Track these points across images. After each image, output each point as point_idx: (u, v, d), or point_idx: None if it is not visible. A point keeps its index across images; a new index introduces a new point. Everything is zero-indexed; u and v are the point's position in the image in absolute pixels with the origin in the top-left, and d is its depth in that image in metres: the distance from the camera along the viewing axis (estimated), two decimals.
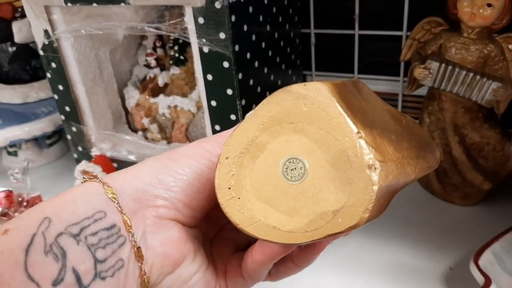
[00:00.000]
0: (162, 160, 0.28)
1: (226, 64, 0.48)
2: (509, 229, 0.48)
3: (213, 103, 0.52)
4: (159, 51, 0.66)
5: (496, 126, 0.57)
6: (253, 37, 0.51)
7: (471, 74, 0.52)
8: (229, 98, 0.50)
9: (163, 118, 0.62)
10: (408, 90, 0.58)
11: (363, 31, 0.65)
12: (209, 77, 0.50)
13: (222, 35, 0.47)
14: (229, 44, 0.47)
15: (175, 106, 0.61)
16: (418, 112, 0.62)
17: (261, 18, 0.52)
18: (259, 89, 0.55)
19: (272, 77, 0.58)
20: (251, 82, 0.52)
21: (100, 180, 0.27)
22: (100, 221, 0.25)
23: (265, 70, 0.56)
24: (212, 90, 0.51)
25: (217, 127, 0.53)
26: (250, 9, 0.50)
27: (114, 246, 0.25)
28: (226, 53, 0.48)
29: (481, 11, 0.50)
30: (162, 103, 0.61)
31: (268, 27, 0.55)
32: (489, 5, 0.49)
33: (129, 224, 0.26)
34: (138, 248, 0.26)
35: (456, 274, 0.49)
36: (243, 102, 0.51)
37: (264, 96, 0.54)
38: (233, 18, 0.46)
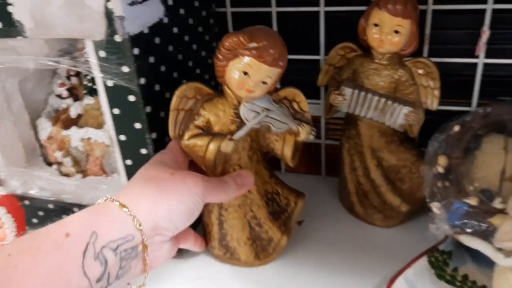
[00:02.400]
0: (168, 198, 0.41)
1: (132, 98, 0.46)
2: (421, 254, 0.49)
3: (122, 137, 0.49)
4: (74, 80, 0.63)
5: (412, 148, 0.58)
6: (162, 68, 0.50)
7: (383, 99, 0.53)
8: (138, 132, 0.48)
9: (77, 151, 0.59)
10: (325, 115, 0.58)
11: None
12: (116, 111, 0.48)
13: (125, 69, 0.45)
14: (134, 77, 0.45)
15: (89, 138, 0.58)
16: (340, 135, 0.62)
17: (171, 48, 0.51)
18: None
19: None
20: (161, 114, 0.50)
21: (129, 213, 0.38)
22: (129, 242, 0.37)
23: None
24: (120, 124, 0.49)
25: (129, 162, 0.51)
26: (157, 40, 0.48)
27: (131, 259, 0.38)
28: (131, 87, 0.46)
29: (389, 37, 0.51)
30: (75, 135, 0.58)
31: (180, 57, 0.53)
32: (396, 32, 0.50)
33: (147, 246, 0.39)
34: (145, 259, 0.39)
35: None
36: (154, 135, 0.49)
37: None
38: (136, 51, 0.45)
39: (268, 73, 0.45)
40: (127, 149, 0.50)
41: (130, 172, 0.52)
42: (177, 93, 0.47)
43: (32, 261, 0.32)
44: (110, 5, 0.42)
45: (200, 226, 0.56)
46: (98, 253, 0.34)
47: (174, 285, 0.54)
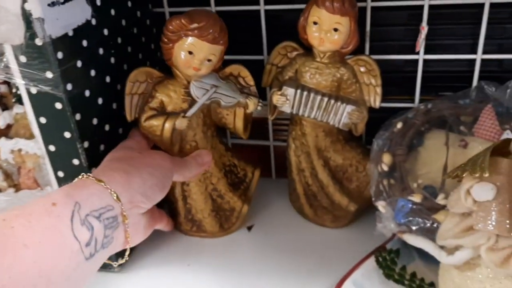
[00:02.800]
0: (140, 172, 0.44)
1: (59, 106, 0.43)
2: (369, 255, 0.48)
3: (52, 148, 0.46)
4: (2, 88, 0.58)
5: (357, 146, 0.57)
6: (92, 73, 0.47)
7: (326, 99, 0.52)
8: (69, 142, 0.45)
9: (7, 164, 0.55)
10: (270, 117, 0.56)
11: (229, 56, 0.63)
12: (43, 120, 0.45)
13: (49, 74, 0.42)
14: (59, 83, 0.42)
15: (19, 150, 0.54)
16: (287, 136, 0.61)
17: (101, 51, 0.48)
18: (107, 127, 0.50)
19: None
20: (94, 121, 0.47)
21: (106, 186, 0.40)
22: (110, 211, 0.39)
23: (114, 106, 0.51)
24: (48, 134, 0.45)
25: (61, 174, 0.48)
26: (85, 43, 0.45)
27: (113, 228, 0.40)
28: (57, 93, 0.42)
29: (328, 35, 0.50)
30: (4, 147, 0.54)
31: (113, 60, 0.50)
32: (335, 29, 0.49)
33: (126, 217, 0.41)
34: (126, 231, 0.42)
35: None
36: (86, 144, 0.46)
37: (116, 134, 0.51)
38: (60, 55, 0.41)
39: (211, 51, 0.48)
40: (57, 160, 0.47)
41: (63, 184, 0.48)
42: (129, 78, 0.49)
43: (27, 223, 0.34)
44: (27, 6, 0.39)
45: (166, 205, 0.59)
46: (83, 220, 0.36)
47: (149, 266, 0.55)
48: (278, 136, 0.68)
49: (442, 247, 0.39)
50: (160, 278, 0.53)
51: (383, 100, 0.54)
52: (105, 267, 0.53)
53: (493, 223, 0.33)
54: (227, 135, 0.69)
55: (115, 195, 0.40)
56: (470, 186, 0.35)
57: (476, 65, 0.56)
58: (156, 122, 0.50)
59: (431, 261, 0.47)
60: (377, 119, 0.56)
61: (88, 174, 0.41)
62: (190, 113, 0.50)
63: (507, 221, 0.33)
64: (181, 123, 0.50)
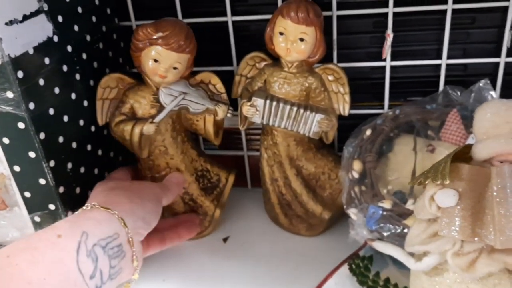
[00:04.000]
0: (142, 200, 0.46)
1: (21, 125, 0.42)
2: (342, 263, 0.48)
3: (17, 168, 0.45)
4: None
5: (329, 154, 0.58)
6: (56, 90, 0.46)
7: (295, 108, 0.52)
8: (34, 162, 0.44)
9: None
10: (240, 127, 0.56)
11: (199, 68, 0.62)
12: (6, 140, 0.44)
13: (10, 94, 0.41)
14: (21, 103, 0.41)
15: None
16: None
17: (65, 68, 0.47)
18: (74, 144, 0.49)
19: (93, 128, 0.53)
20: (60, 139, 0.47)
21: (115, 213, 0.41)
22: (116, 240, 0.39)
23: (81, 123, 0.50)
24: (12, 154, 0.45)
25: (27, 194, 0.47)
26: (47, 60, 0.44)
27: (120, 258, 0.40)
28: (19, 113, 0.42)
29: (295, 45, 0.50)
30: None
31: (78, 76, 0.50)
32: (301, 39, 0.50)
33: (132, 243, 0.41)
34: (133, 257, 0.42)
35: None
36: (52, 163, 0.45)
37: (84, 151, 0.50)
38: (20, 74, 0.41)
39: (177, 59, 0.49)
40: (23, 181, 0.46)
41: (31, 205, 0.47)
42: (100, 84, 0.51)
43: (32, 259, 0.34)
44: None
45: None
46: (89, 251, 0.36)
47: None
48: (252, 146, 0.68)
49: (411, 254, 0.40)
50: None
51: (353, 107, 0.55)
52: None
53: (457, 228, 0.34)
54: (201, 145, 0.68)
55: (122, 221, 0.41)
56: (433, 193, 0.35)
57: (442, 70, 0.57)
58: (126, 127, 0.51)
59: (405, 266, 0.47)
60: (348, 126, 0.56)
61: (93, 204, 0.41)
62: (158, 118, 0.51)
63: (470, 227, 0.33)
64: (148, 128, 0.51)
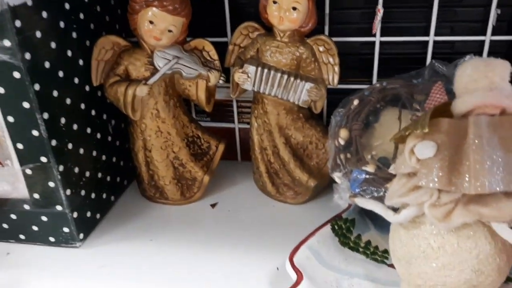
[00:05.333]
0: None
1: (17, 75, 0.43)
2: (325, 223, 0.50)
3: (10, 118, 0.46)
4: None
5: (317, 125, 0.59)
6: (53, 45, 0.47)
7: (286, 76, 0.54)
8: (27, 112, 0.45)
9: None
10: (232, 95, 0.58)
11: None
12: (1, 90, 0.44)
13: (6, 43, 0.42)
14: (17, 52, 0.42)
15: None
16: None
17: (62, 24, 0.48)
18: (68, 100, 0.50)
19: (88, 88, 0.54)
20: (54, 93, 0.47)
21: None
22: None
23: (76, 81, 0.51)
24: (6, 105, 0.45)
25: (20, 146, 0.48)
26: (44, 14, 0.45)
27: None
28: (15, 62, 0.43)
29: (287, 14, 0.51)
30: None
31: (74, 35, 0.51)
32: (294, 8, 0.51)
33: None
34: None
35: (282, 273, 0.48)
36: (45, 115, 0.46)
37: (77, 108, 0.51)
38: (18, 23, 0.42)
39: (172, 22, 0.51)
40: (16, 132, 0.47)
41: (23, 157, 0.48)
42: (96, 44, 0.52)
43: None
44: None
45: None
46: None
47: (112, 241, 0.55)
48: (243, 119, 0.69)
49: (390, 208, 0.41)
50: (123, 253, 0.53)
51: (342, 82, 0.56)
52: (67, 243, 0.53)
53: (435, 178, 0.35)
54: (193, 114, 0.70)
55: None
56: (413, 145, 0.36)
57: (429, 47, 0.58)
58: (119, 88, 0.53)
59: (386, 231, 0.49)
60: (337, 100, 0.58)
61: None
62: (151, 81, 0.53)
63: (447, 176, 0.35)
64: (141, 90, 0.52)
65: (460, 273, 0.37)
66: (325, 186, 0.60)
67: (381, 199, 0.47)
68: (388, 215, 0.41)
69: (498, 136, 0.34)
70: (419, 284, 0.39)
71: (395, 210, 0.41)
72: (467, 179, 0.34)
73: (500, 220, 0.36)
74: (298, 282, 0.42)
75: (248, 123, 0.68)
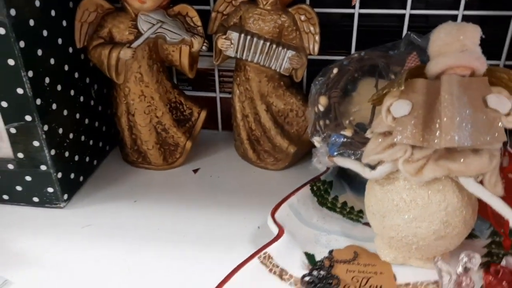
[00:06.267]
0: None
1: (2, 31, 0.43)
2: (305, 184, 0.52)
3: None
4: None
5: (298, 93, 0.61)
6: (37, 3, 0.47)
7: (268, 43, 0.55)
8: (12, 70, 0.45)
9: None
10: (215, 61, 0.59)
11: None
12: None
13: None
14: (2, 7, 0.42)
15: None
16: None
17: None
18: (52, 60, 0.50)
19: (71, 50, 0.54)
20: (39, 52, 0.48)
21: None
22: None
23: (59, 41, 0.51)
24: None
25: (4, 104, 0.48)
26: None
27: None
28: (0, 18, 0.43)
29: None
30: None
31: None
32: None
33: None
34: None
35: (263, 231, 0.50)
36: (30, 73, 0.46)
37: (61, 69, 0.51)
38: None
39: None
40: (1, 90, 0.47)
41: (7, 115, 0.48)
42: (80, 5, 0.53)
43: None
44: None
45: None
46: None
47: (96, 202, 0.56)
48: (225, 88, 0.70)
49: (366, 165, 0.44)
50: (107, 214, 0.54)
51: (322, 53, 0.58)
52: (51, 203, 0.54)
53: (409, 135, 0.38)
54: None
55: None
56: (390, 104, 0.39)
57: (405, 20, 0.61)
58: (103, 51, 0.53)
59: (361, 193, 0.52)
60: (317, 72, 0.60)
61: None
62: (135, 44, 0.54)
63: (421, 133, 0.37)
64: (125, 53, 0.53)
65: (430, 225, 0.40)
66: (304, 153, 0.62)
67: (357, 161, 0.50)
68: (365, 171, 0.43)
69: (467, 95, 0.37)
70: (392, 236, 0.42)
71: (371, 168, 0.43)
72: (437, 134, 0.37)
73: (467, 175, 0.39)
74: (279, 235, 0.44)
75: (229, 93, 0.69)
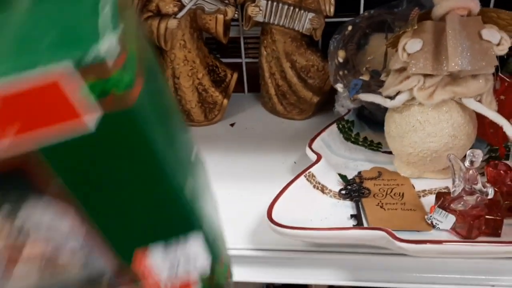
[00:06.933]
0: None
1: None
2: (332, 122, 0.62)
3: None
4: None
5: (317, 51, 0.70)
6: None
7: (292, 8, 0.64)
8: None
9: None
10: (245, 27, 0.68)
11: None
12: None
13: None
14: None
15: None
16: (257, 52, 0.73)
17: None
18: None
19: None
20: None
21: None
22: None
23: None
24: None
25: None
26: None
27: None
28: None
29: None
30: None
31: None
32: None
33: None
34: None
35: (299, 165, 0.60)
36: None
37: None
38: None
39: None
40: None
41: None
42: None
43: None
44: None
45: None
46: None
47: None
48: (249, 54, 0.79)
49: (386, 97, 0.53)
50: None
51: (335, 15, 0.68)
52: None
53: (422, 65, 0.48)
54: None
55: None
56: (405, 43, 0.48)
57: None
58: (152, 22, 0.62)
59: (377, 130, 0.62)
60: (331, 33, 0.69)
61: None
62: (180, 15, 0.63)
63: (431, 64, 0.47)
64: (172, 23, 0.62)
65: (440, 139, 0.50)
66: (324, 103, 0.72)
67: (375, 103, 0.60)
68: (386, 101, 0.53)
69: (466, 31, 0.46)
70: (410, 152, 0.52)
71: (391, 98, 0.53)
72: (445, 63, 0.47)
73: (468, 96, 0.49)
74: (318, 160, 0.54)
75: (254, 57, 0.79)
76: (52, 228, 0.23)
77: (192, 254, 0.27)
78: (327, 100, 0.71)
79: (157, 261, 0.26)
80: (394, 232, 0.42)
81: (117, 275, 0.25)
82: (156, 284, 0.27)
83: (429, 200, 0.50)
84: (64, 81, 0.17)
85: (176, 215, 0.25)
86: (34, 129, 0.18)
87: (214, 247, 0.28)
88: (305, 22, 0.65)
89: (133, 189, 0.23)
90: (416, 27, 0.46)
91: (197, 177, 0.29)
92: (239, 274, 0.50)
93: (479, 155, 0.43)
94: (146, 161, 0.22)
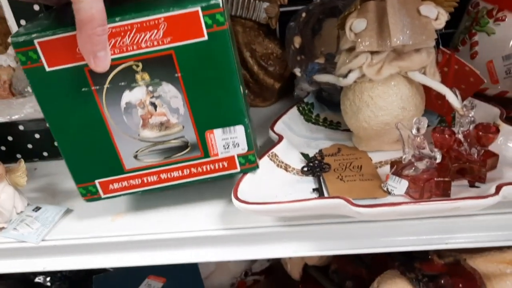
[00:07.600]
0: None
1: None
2: (292, 105, 0.65)
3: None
4: None
5: (274, 39, 0.73)
6: None
7: None
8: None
9: None
10: None
11: None
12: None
13: None
14: None
15: None
16: None
17: None
18: None
19: None
20: None
21: None
22: None
23: None
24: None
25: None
26: None
27: None
28: None
29: None
30: None
31: None
32: None
33: None
34: None
35: (263, 148, 0.63)
36: None
37: None
38: None
39: None
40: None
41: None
42: None
43: None
44: None
45: None
46: None
47: None
48: None
49: (339, 76, 0.56)
50: None
51: (291, 5, 0.70)
52: None
53: (367, 43, 0.51)
54: None
55: None
56: (350, 23, 0.51)
57: None
58: None
59: (337, 110, 0.65)
60: (286, 22, 0.72)
61: None
62: None
63: (376, 41, 0.50)
64: None
65: (391, 111, 0.53)
66: (287, 90, 0.75)
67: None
68: (339, 80, 0.56)
69: (405, 8, 0.50)
70: (365, 127, 0.55)
71: (344, 77, 0.56)
72: (388, 40, 0.50)
73: (413, 69, 0.52)
74: (280, 140, 0.56)
75: None
76: (170, 104, 0.44)
77: (237, 139, 0.47)
78: (289, 86, 0.74)
79: (218, 140, 0.47)
80: (353, 200, 0.45)
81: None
82: (215, 154, 0.48)
83: (385, 171, 0.54)
84: (199, 12, 0.40)
85: (233, 109, 0.45)
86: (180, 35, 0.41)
87: (249, 138, 0.47)
88: (261, 11, 0.68)
89: (215, 84, 0.44)
90: (359, 7, 0.49)
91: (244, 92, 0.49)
92: (211, 255, 0.52)
93: (424, 122, 0.47)
94: (227, 63, 0.43)
